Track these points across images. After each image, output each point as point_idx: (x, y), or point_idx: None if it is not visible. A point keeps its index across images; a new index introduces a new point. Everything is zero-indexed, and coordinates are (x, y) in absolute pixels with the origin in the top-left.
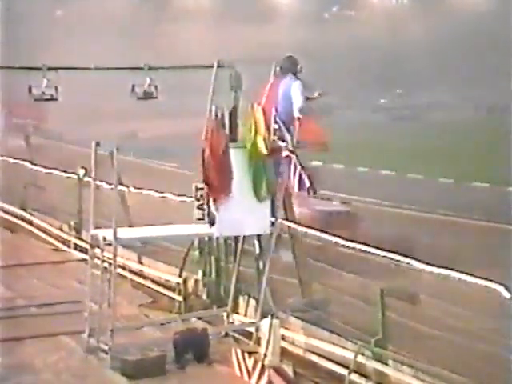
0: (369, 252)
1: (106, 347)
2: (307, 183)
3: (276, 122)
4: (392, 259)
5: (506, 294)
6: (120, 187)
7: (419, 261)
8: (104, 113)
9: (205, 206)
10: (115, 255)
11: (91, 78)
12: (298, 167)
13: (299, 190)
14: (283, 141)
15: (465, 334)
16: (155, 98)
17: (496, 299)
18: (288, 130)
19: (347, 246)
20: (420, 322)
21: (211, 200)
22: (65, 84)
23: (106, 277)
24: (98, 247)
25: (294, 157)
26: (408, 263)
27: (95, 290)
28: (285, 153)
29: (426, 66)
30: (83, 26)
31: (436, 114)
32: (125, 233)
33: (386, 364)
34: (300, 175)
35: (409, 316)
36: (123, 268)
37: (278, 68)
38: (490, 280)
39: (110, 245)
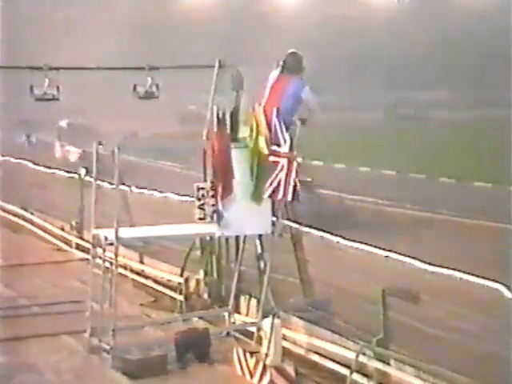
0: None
1: (108, 347)
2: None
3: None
4: (394, 259)
5: (508, 294)
6: (121, 187)
7: (421, 261)
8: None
9: (205, 206)
10: (117, 255)
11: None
12: (293, 175)
13: (292, 199)
14: (278, 145)
15: (466, 333)
16: (156, 97)
17: (498, 299)
18: (287, 130)
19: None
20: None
21: (219, 198)
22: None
23: (107, 276)
24: (100, 247)
25: (294, 163)
26: (410, 263)
27: (97, 290)
28: (277, 159)
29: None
30: (84, 26)
31: (439, 113)
32: (126, 232)
33: (388, 364)
34: (295, 184)
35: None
36: (125, 268)
37: (280, 63)
38: (492, 280)
39: (111, 244)
